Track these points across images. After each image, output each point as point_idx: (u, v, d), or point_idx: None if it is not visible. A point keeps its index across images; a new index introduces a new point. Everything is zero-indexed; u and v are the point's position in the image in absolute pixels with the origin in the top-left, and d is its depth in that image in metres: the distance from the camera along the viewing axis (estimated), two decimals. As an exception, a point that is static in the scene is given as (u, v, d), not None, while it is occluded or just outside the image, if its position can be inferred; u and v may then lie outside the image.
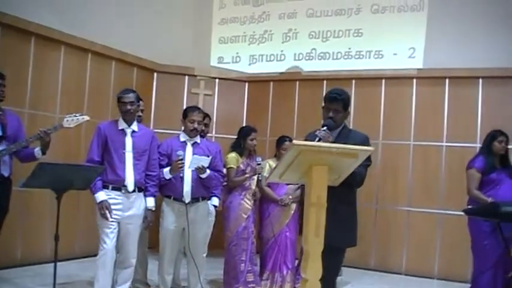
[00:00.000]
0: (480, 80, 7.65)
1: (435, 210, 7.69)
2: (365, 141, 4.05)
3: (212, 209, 6.02)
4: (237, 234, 5.94)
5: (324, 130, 3.84)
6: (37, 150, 4.95)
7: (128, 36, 8.21)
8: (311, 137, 3.97)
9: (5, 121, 4.96)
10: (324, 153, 3.42)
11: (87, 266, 6.73)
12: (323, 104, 4.15)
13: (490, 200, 5.44)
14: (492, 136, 5.80)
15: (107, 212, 4.80)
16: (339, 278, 5.40)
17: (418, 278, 7.63)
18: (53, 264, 4.59)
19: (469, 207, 5.60)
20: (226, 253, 6.10)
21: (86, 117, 4.95)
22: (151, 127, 8.34)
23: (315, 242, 3.37)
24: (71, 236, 7.15)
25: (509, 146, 5.89)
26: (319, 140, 3.73)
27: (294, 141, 3.38)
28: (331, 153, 3.44)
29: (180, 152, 5.15)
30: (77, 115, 4.89)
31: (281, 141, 6.43)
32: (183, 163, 5.12)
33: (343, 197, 3.82)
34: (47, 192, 4.74)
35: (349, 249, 4.08)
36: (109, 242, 4.84)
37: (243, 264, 5.96)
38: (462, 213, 5.61)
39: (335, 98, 4.06)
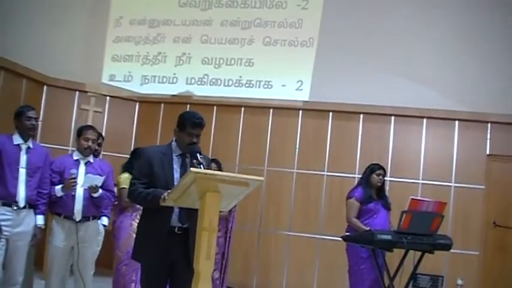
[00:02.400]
0: (361, 116, 8.18)
1: (315, 235, 8.08)
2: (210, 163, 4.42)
3: (102, 228, 6.01)
4: (128, 254, 5.94)
5: (202, 157, 3.96)
6: None
7: (18, 46, 7.92)
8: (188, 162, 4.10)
9: None
10: (217, 181, 3.64)
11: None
12: (178, 128, 4.12)
13: (367, 228, 5.78)
14: (371, 169, 6.16)
15: None
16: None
17: (297, 299, 7.94)
18: None
19: (347, 234, 5.94)
20: (115, 272, 6.08)
21: None
22: (38, 141, 8.07)
23: (205, 264, 3.57)
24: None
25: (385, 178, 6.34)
26: (204, 167, 3.85)
27: (191, 169, 3.59)
28: (225, 181, 3.67)
29: (74, 171, 5.15)
30: None
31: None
32: (76, 182, 5.11)
33: None
34: None
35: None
36: None
37: (133, 284, 5.96)
38: (340, 238, 5.94)
39: (201, 124, 4.10)
